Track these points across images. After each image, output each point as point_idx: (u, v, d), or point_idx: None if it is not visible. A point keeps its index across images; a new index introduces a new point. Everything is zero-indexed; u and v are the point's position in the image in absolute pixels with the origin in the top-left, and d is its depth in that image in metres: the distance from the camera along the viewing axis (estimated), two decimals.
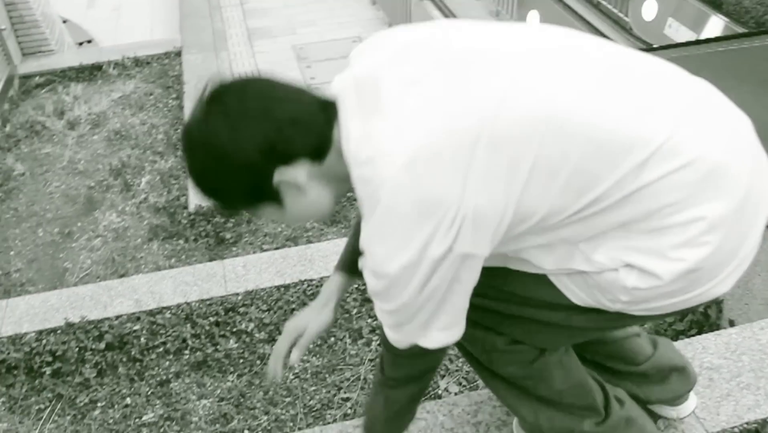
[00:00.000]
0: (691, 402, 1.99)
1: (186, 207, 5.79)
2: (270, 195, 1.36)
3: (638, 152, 1.22)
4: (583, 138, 1.22)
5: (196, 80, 7.69)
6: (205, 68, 7.96)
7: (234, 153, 1.29)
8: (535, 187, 1.23)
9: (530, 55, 1.29)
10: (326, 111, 1.36)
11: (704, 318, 3.36)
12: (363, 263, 1.38)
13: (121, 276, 5.38)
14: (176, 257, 5.43)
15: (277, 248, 5.31)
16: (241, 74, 1.41)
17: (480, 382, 3.20)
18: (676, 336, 3.25)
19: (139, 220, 5.94)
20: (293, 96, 1.38)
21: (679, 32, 7.05)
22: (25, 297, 3.74)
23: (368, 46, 1.45)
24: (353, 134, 1.28)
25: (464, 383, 3.22)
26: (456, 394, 3.19)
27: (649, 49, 6.41)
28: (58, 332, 3.49)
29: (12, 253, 5.81)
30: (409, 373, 1.59)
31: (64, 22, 10.49)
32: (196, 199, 5.77)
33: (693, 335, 3.03)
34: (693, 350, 2.40)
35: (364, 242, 1.33)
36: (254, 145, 1.29)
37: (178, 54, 8.46)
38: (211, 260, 5.34)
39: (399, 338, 1.45)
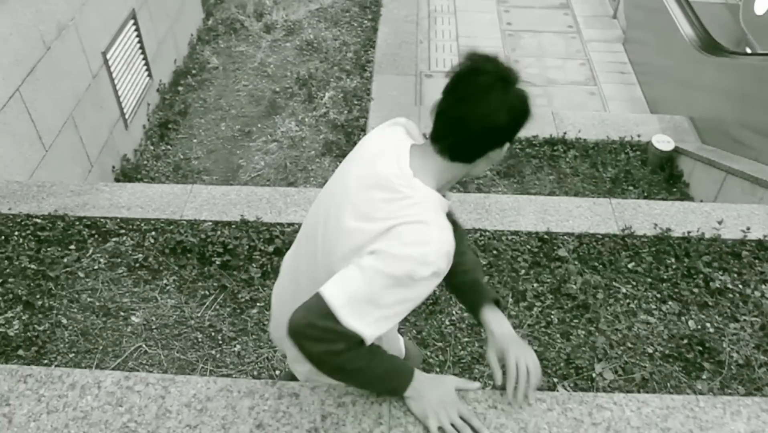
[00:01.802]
0: None
1: (364, 129, 5.81)
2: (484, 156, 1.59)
3: None
4: None
5: (395, 4, 7.62)
6: None
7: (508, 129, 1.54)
8: None
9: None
10: None
11: None
12: None
13: (290, 184, 5.51)
14: None
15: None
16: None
17: (639, 375, 3.02)
18: None
19: (316, 132, 6.03)
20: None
21: None
22: (207, 187, 3.87)
23: None
24: None
25: (620, 372, 3.04)
26: (610, 382, 3.03)
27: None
28: (233, 226, 3.60)
29: (195, 141, 6.08)
30: None
31: None
32: (374, 124, 5.78)
33: None
34: None
35: None
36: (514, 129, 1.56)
37: None
38: None
39: None
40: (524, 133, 5.43)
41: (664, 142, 5.55)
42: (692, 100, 6.29)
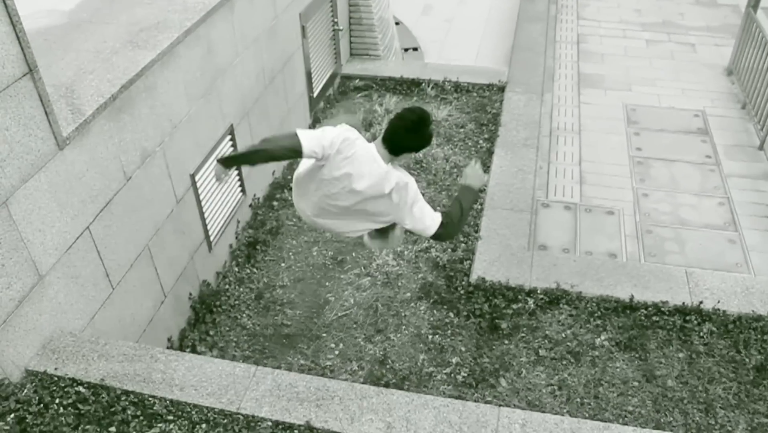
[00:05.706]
0: None
1: (467, 275, 5.16)
2: None
3: None
4: None
5: (514, 124, 7.01)
6: (527, 113, 7.26)
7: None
8: None
9: None
10: None
11: None
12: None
13: (378, 331, 4.91)
14: (441, 331, 4.82)
15: (553, 359, 4.51)
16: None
17: None
18: None
19: (415, 270, 5.43)
20: None
21: None
22: (274, 371, 3.31)
23: None
24: None
25: None
26: None
27: None
28: (296, 431, 3.01)
29: (283, 265, 5.60)
30: None
31: (397, 24, 10.43)
32: (480, 270, 5.11)
33: None
34: None
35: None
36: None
37: (501, 89, 7.82)
38: (478, 348, 4.66)
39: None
40: (652, 296, 4.54)
41: None
42: None
